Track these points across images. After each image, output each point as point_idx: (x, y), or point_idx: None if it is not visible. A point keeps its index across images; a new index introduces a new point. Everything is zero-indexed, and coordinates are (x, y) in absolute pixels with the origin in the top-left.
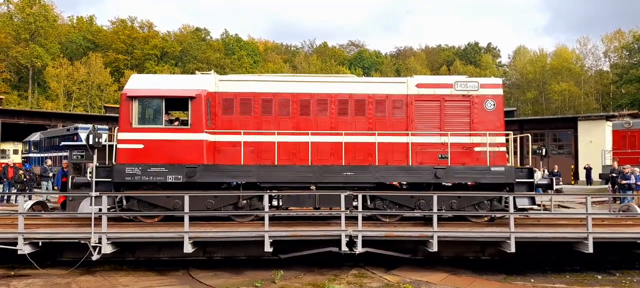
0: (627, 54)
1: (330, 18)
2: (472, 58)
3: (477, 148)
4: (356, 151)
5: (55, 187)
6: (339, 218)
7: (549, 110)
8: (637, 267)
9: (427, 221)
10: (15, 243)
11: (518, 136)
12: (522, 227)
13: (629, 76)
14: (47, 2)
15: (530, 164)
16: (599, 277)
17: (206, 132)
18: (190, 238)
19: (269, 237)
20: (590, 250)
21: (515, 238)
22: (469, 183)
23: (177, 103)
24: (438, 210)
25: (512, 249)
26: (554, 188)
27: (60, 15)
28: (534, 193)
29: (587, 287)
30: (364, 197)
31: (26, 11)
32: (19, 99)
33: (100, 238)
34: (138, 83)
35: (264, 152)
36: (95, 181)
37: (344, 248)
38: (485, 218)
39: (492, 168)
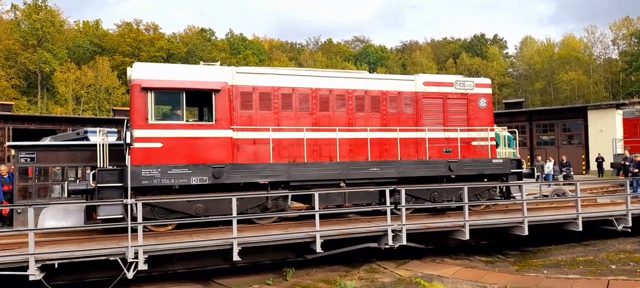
0: (636, 41)
1: (335, 15)
2: (478, 50)
3: (474, 143)
4: (376, 147)
5: None
6: (361, 214)
7: (557, 100)
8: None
9: (436, 212)
10: (25, 268)
11: (505, 130)
12: (518, 213)
13: (639, 63)
14: (53, 8)
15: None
16: (613, 266)
17: (231, 128)
18: (238, 244)
19: (320, 236)
20: (580, 228)
21: (528, 222)
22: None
23: (198, 96)
24: (448, 200)
25: (526, 232)
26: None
27: (66, 20)
28: (536, 181)
29: (601, 276)
30: (385, 192)
31: (33, 17)
32: (28, 105)
33: (136, 253)
34: (150, 73)
35: (285, 148)
36: (99, 187)
37: (391, 242)
38: (482, 207)
39: (493, 161)
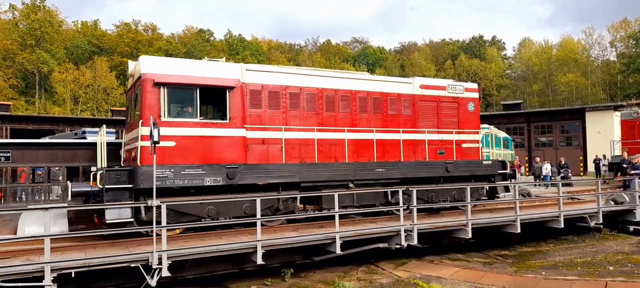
0: (633, 43)
1: (333, 16)
2: (476, 51)
3: (464, 145)
4: (379, 148)
5: None
6: (363, 215)
7: (556, 102)
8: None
9: (431, 212)
10: (38, 278)
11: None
12: (506, 212)
13: (637, 65)
14: (52, 8)
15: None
16: (611, 267)
17: (245, 127)
18: (262, 246)
19: (340, 237)
20: (562, 225)
21: (520, 220)
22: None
23: (211, 93)
24: (443, 201)
25: (518, 230)
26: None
27: (64, 21)
28: (526, 182)
29: (599, 278)
30: (389, 193)
31: (31, 17)
32: (26, 105)
33: (160, 259)
34: (163, 67)
35: (293, 148)
36: (107, 188)
37: (403, 242)
38: (471, 206)
39: (484, 162)
